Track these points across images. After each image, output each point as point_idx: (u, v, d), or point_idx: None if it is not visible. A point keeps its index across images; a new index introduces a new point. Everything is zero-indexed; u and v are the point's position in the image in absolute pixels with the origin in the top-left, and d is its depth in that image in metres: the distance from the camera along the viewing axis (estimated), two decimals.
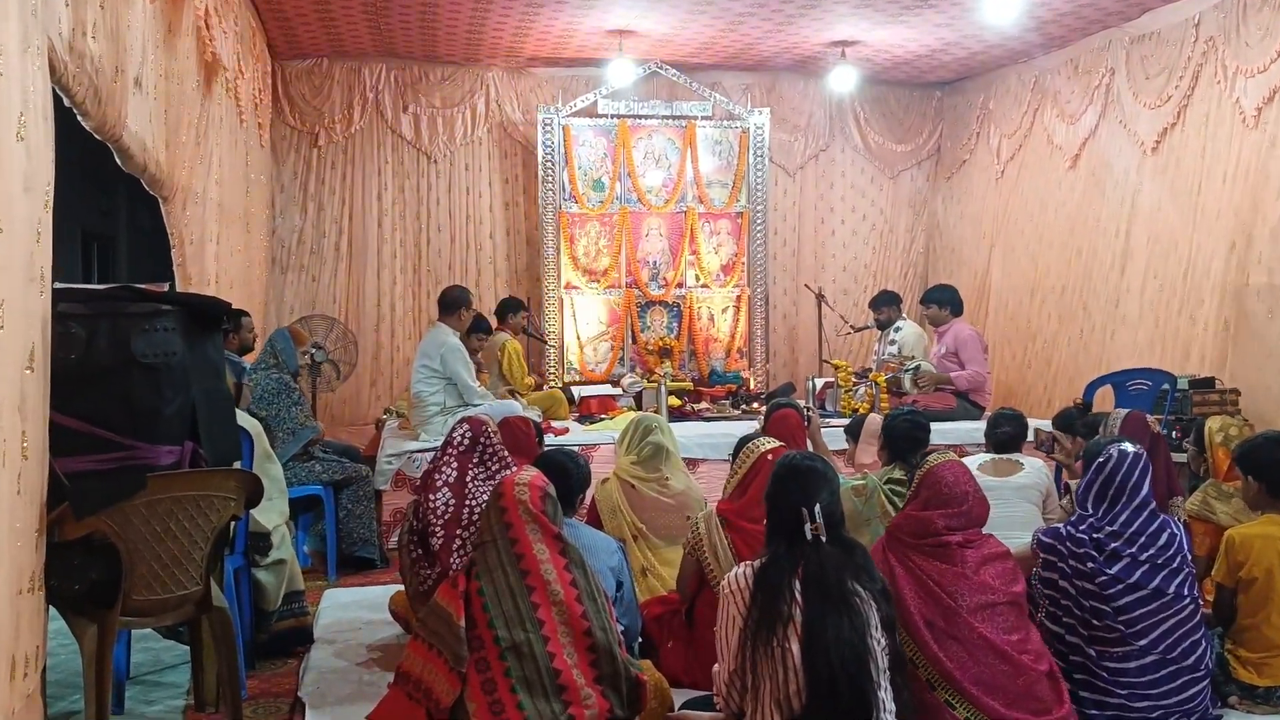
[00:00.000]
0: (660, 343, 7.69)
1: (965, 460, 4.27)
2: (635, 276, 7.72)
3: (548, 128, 7.50)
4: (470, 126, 7.84)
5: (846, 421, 5.16)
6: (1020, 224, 7.55)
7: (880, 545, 3.02)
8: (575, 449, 4.64)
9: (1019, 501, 3.92)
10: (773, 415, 4.26)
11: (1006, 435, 4.26)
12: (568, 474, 3.34)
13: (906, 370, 6.43)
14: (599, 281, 7.67)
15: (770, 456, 3.31)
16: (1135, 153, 6.44)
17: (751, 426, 5.58)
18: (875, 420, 4.48)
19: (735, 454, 3.61)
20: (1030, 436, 4.80)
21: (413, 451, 5.54)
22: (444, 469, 3.40)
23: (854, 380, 6.71)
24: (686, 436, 5.78)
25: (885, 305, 6.95)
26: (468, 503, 3.33)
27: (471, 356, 6.28)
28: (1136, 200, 6.44)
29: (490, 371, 6.59)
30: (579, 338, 7.66)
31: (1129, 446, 3.19)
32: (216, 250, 5.46)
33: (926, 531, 2.94)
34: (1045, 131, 7.26)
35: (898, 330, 6.93)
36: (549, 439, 5.75)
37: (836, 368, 6.75)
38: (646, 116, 7.73)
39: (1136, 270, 6.41)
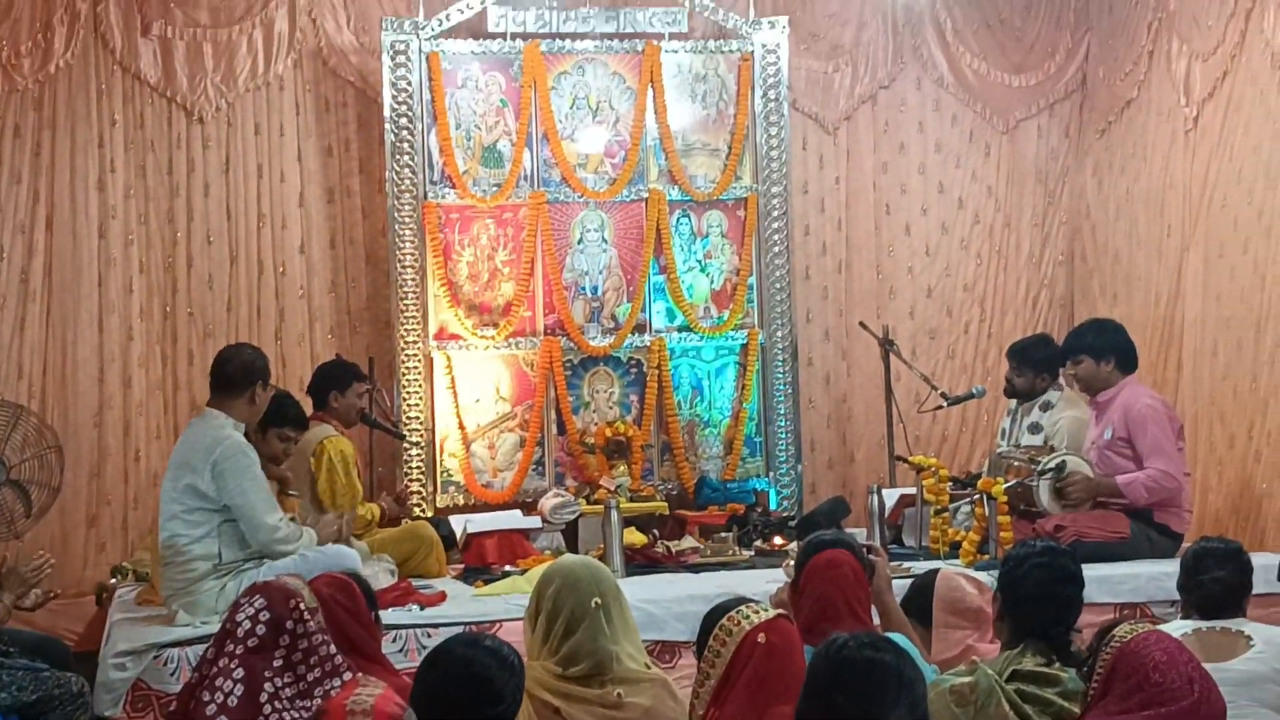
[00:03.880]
0: (609, 432, 7.69)
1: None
2: (561, 315, 7.76)
3: (401, 58, 7.56)
4: (264, 59, 7.87)
5: (922, 570, 5.16)
6: (1233, 208, 7.66)
7: None
8: (482, 631, 4.58)
9: (1247, 704, 3.94)
10: (812, 560, 4.25)
11: (1220, 588, 4.30)
12: (494, 692, 3.08)
13: (1044, 471, 6.48)
14: (497, 326, 7.70)
15: (763, 638, 3.32)
16: None
17: (773, 581, 5.56)
18: (954, 584, 4.46)
19: (701, 640, 3.58)
20: (1266, 587, 4.87)
21: (165, 646, 5.43)
22: (221, 681, 3.37)
23: (952, 491, 6.71)
24: (657, 603, 5.71)
25: (1029, 364, 7.08)
26: None
27: (273, 465, 6.22)
28: None
29: (301, 492, 6.53)
30: (463, 427, 7.65)
31: None
32: None
33: None
34: (1268, 46, 7.39)
35: (1047, 410, 7.02)
36: (409, 613, 5.71)
37: (920, 470, 6.78)
38: (575, 36, 7.82)
39: None
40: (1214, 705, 3.20)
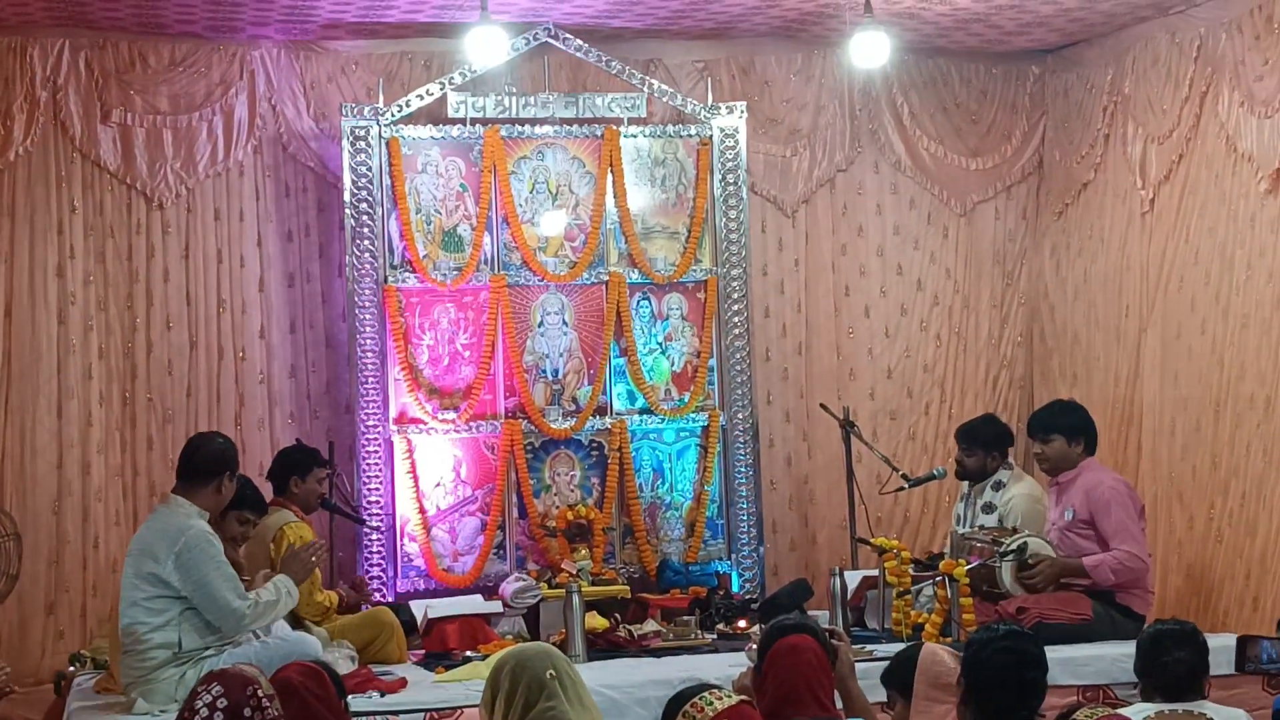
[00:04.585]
0: (570, 515, 7.68)
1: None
2: (522, 398, 7.77)
3: (361, 144, 7.61)
4: (224, 145, 7.90)
5: (897, 650, 5.15)
6: (1190, 289, 7.74)
7: None
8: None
9: None
10: (774, 646, 4.24)
11: (1183, 668, 4.31)
12: None
13: (1006, 553, 6.51)
14: (458, 409, 7.71)
15: None
16: None
17: (736, 665, 5.54)
18: (937, 657, 4.47)
19: None
20: (1228, 667, 4.87)
21: None
22: None
23: (914, 574, 6.73)
24: (619, 688, 5.69)
25: (979, 444, 7.16)
26: None
27: (231, 550, 6.19)
28: None
29: (257, 579, 6.48)
30: (423, 511, 7.63)
31: None
32: None
33: None
34: (1223, 129, 7.52)
35: (999, 489, 7.09)
36: (369, 700, 5.67)
37: (882, 552, 6.79)
38: (534, 121, 7.89)
39: None
40: None
